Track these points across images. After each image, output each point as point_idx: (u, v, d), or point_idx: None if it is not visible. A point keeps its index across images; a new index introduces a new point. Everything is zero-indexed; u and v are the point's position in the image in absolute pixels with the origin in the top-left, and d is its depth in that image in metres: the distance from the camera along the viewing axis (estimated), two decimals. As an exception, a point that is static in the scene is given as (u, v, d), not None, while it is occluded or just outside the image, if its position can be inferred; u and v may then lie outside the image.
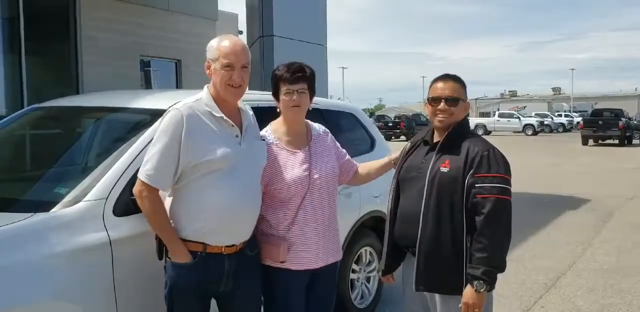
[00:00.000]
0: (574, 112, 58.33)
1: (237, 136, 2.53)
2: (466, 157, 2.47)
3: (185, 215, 2.46)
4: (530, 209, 9.06)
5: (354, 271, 4.21)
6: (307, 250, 2.71)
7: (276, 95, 2.76)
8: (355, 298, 4.24)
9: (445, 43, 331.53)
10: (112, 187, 2.59)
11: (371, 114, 31.24)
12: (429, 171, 2.52)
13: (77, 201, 2.54)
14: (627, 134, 28.05)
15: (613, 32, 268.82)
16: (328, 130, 2.97)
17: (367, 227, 4.25)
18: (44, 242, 2.34)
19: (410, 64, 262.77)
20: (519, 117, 41.98)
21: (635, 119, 37.92)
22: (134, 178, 2.54)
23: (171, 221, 2.47)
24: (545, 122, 44.07)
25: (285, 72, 2.70)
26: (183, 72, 10.87)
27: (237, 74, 2.48)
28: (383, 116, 41.65)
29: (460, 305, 2.41)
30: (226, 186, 2.44)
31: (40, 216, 2.43)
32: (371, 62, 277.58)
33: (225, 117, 2.49)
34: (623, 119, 28.11)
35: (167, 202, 2.51)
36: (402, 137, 31.46)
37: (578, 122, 36.72)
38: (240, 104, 2.62)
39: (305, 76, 2.73)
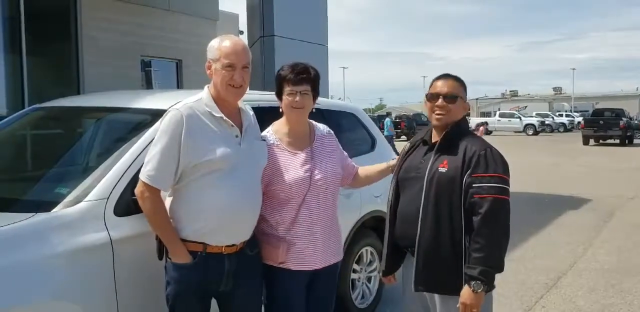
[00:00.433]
0: (575, 112, 58.25)
1: (237, 136, 2.53)
2: (464, 156, 2.46)
3: (185, 215, 2.46)
4: (531, 209, 9.06)
5: (354, 271, 4.21)
6: (308, 250, 2.70)
7: (279, 95, 2.74)
8: (356, 298, 4.24)
9: (446, 43, 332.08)
10: (113, 187, 2.59)
11: (380, 117, 31.09)
12: (427, 171, 2.52)
13: (78, 201, 2.54)
14: (628, 134, 28.05)
15: (613, 32, 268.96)
16: (332, 131, 2.95)
17: (368, 227, 4.25)
18: (45, 242, 2.34)
19: (410, 64, 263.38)
20: (519, 117, 41.97)
21: (636, 119, 37.96)
22: (135, 178, 2.54)
23: (171, 221, 2.47)
24: (546, 122, 44.03)
25: (290, 73, 2.68)
26: (184, 73, 10.87)
27: (238, 74, 2.48)
28: (383, 116, 41.63)
29: (457, 305, 2.42)
30: (226, 186, 2.44)
31: (41, 216, 2.43)
32: (371, 62, 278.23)
33: (224, 118, 2.49)
34: (624, 119, 28.11)
35: (167, 202, 2.51)
36: (403, 137, 31.43)
37: (579, 122, 36.77)
38: (240, 104, 2.63)
39: (309, 78, 2.71)
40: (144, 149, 2.68)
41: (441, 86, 2.58)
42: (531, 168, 15.23)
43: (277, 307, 2.74)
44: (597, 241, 7.14)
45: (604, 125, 27.47)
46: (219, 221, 2.45)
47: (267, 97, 2.99)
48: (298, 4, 9.78)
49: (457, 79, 2.63)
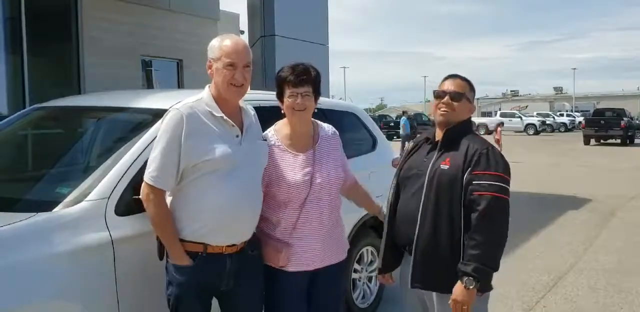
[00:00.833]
0: (575, 111, 58.26)
1: (237, 136, 2.52)
2: (465, 154, 2.47)
3: (186, 215, 2.45)
4: (532, 208, 9.06)
5: (355, 271, 4.21)
6: (306, 253, 2.68)
7: (280, 97, 2.70)
8: (357, 298, 4.24)
9: (446, 43, 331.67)
10: (114, 187, 2.59)
11: (381, 117, 30.90)
12: (429, 168, 2.53)
13: (79, 200, 2.53)
14: (629, 134, 28.06)
15: (614, 32, 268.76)
16: (337, 132, 2.91)
17: (369, 226, 4.24)
18: (46, 242, 2.34)
19: (411, 64, 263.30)
20: (520, 117, 41.95)
21: (637, 119, 37.92)
22: (135, 178, 2.54)
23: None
24: (547, 122, 44.02)
25: (290, 74, 2.64)
26: (184, 72, 10.88)
27: (240, 73, 2.47)
28: (384, 116, 41.61)
29: (449, 301, 2.41)
30: (226, 185, 2.44)
31: (42, 216, 2.43)
32: (372, 62, 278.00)
33: (225, 117, 2.48)
34: (625, 119, 28.10)
35: (167, 202, 2.51)
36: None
37: (580, 122, 36.71)
38: (242, 103, 2.62)
39: (310, 79, 2.66)
40: (145, 148, 2.68)
41: (449, 84, 2.62)
42: (532, 168, 15.23)
43: (274, 308, 2.72)
44: (598, 241, 7.13)
45: (605, 125, 27.47)
46: (219, 221, 2.44)
47: (269, 97, 2.98)
48: (299, 4, 9.78)
49: (465, 80, 2.66)
